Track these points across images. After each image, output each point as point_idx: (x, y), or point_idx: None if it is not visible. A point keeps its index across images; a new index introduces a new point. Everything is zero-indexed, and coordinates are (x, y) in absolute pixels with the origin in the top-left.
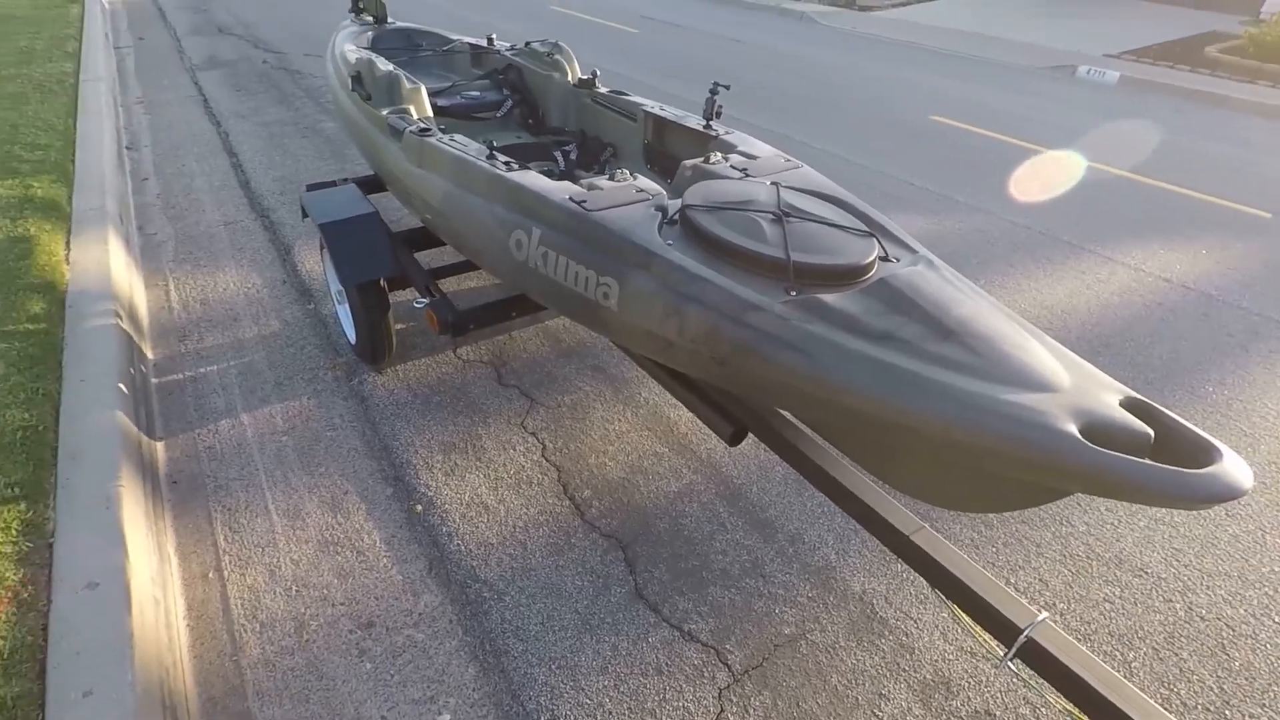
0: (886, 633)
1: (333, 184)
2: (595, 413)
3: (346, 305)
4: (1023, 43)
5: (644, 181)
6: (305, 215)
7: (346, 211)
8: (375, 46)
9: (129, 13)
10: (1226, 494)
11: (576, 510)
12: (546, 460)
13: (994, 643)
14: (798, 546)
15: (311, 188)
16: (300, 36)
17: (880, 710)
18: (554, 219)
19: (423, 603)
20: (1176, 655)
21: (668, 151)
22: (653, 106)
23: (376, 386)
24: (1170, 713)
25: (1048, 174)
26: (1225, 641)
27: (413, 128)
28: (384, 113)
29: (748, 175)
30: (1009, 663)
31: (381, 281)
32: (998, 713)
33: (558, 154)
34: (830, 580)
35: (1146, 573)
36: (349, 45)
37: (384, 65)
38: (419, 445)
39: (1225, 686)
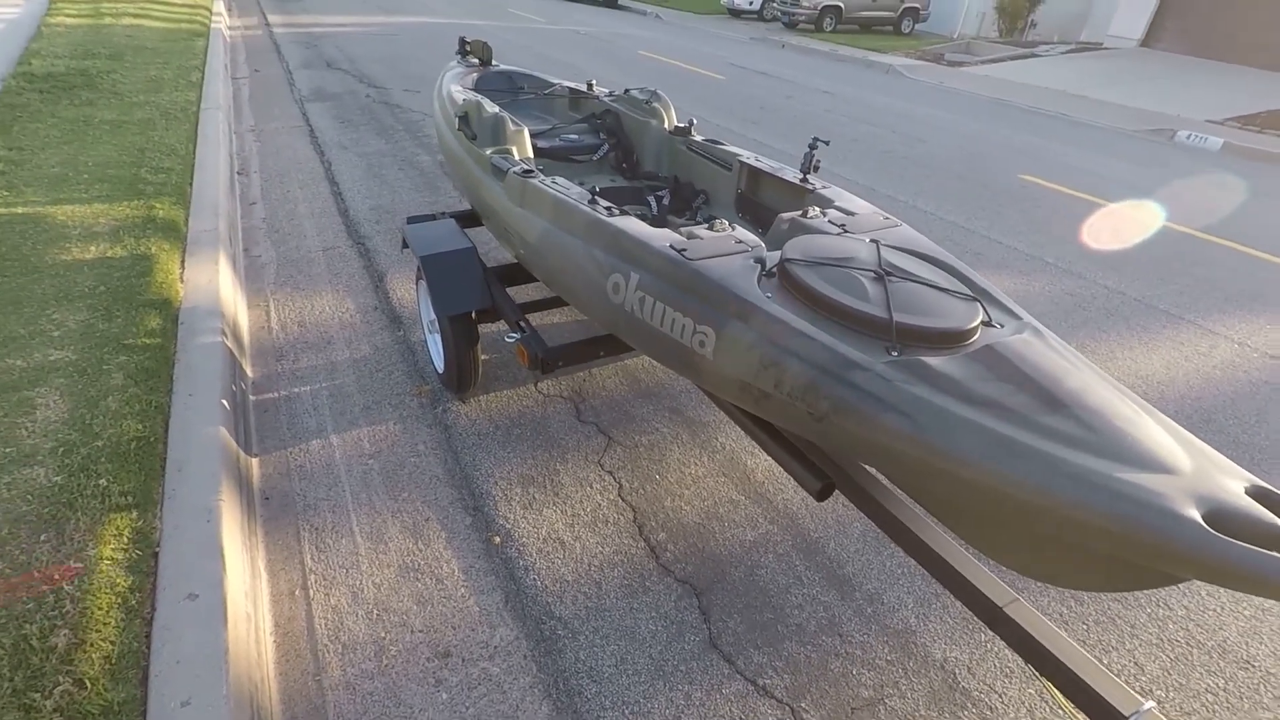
0: (970, 704)
1: (432, 218)
2: (672, 455)
3: (437, 335)
4: (1116, 104)
5: (743, 233)
6: (405, 246)
7: (446, 245)
8: (479, 87)
9: (247, 45)
10: None
11: (651, 553)
12: (623, 500)
13: None
14: (876, 606)
15: (412, 220)
16: (402, 74)
17: None
18: (654, 265)
19: (498, 636)
20: None
21: (761, 202)
22: (748, 157)
23: (460, 415)
24: None
25: (1145, 240)
26: None
27: (516, 168)
28: (488, 152)
29: (846, 231)
30: None
31: (474, 314)
32: None
33: (651, 199)
34: (910, 645)
35: (1253, 666)
36: (455, 86)
37: (490, 107)
38: (498, 476)
39: None
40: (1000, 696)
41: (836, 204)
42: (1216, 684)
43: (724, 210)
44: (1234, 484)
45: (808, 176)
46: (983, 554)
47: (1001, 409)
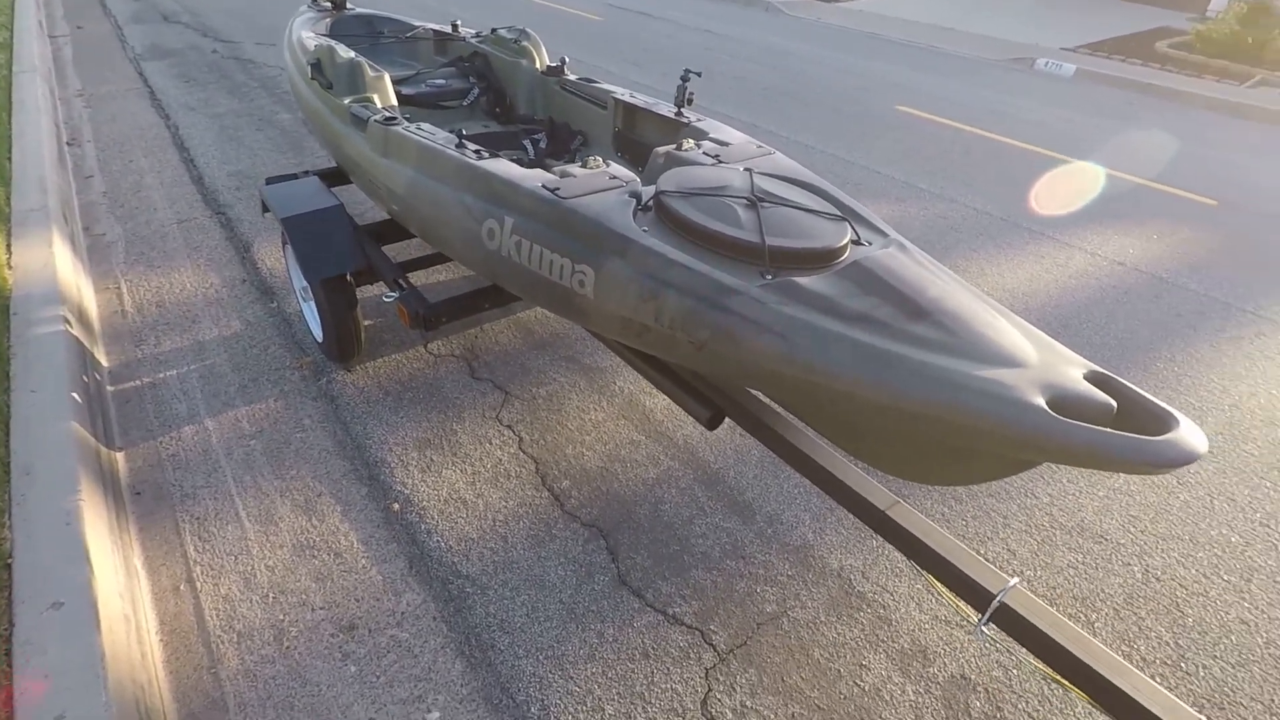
0: (865, 606)
1: (294, 177)
2: (571, 403)
3: (312, 302)
4: (981, 35)
5: (617, 169)
6: (265, 210)
7: (309, 205)
8: (334, 33)
9: None
10: (1184, 458)
11: (556, 501)
12: (524, 453)
13: (968, 610)
14: (776, 527)
15: (271, 181)
16: (251, 24)
17: (862, 680)
18: (527, 207)
19: (405, 602)
20: (1135, 614)
21: (638, 139)
22: (623, 94)
23: (346, 385)
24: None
25: (1007, 163)
26: (1179, 600)
27: (377, 116)
28: (346, 101)
29: (720, 161)
30: (983, 628)
31: (348, 276)
32: (973, 676)
33: (526, 142)
34: (808, 558)
35: (1106, 539)
36: (307, 32)
37: (345, 52)
38: (393, 443)
39: (1180, 641)
40: (891, 595)
41: (711, 136)
42: (1076, 559)
43: (602, 150)
44: (1074, 371)
45: (682, 110)
46: (864, 462)
47: (870, 321)
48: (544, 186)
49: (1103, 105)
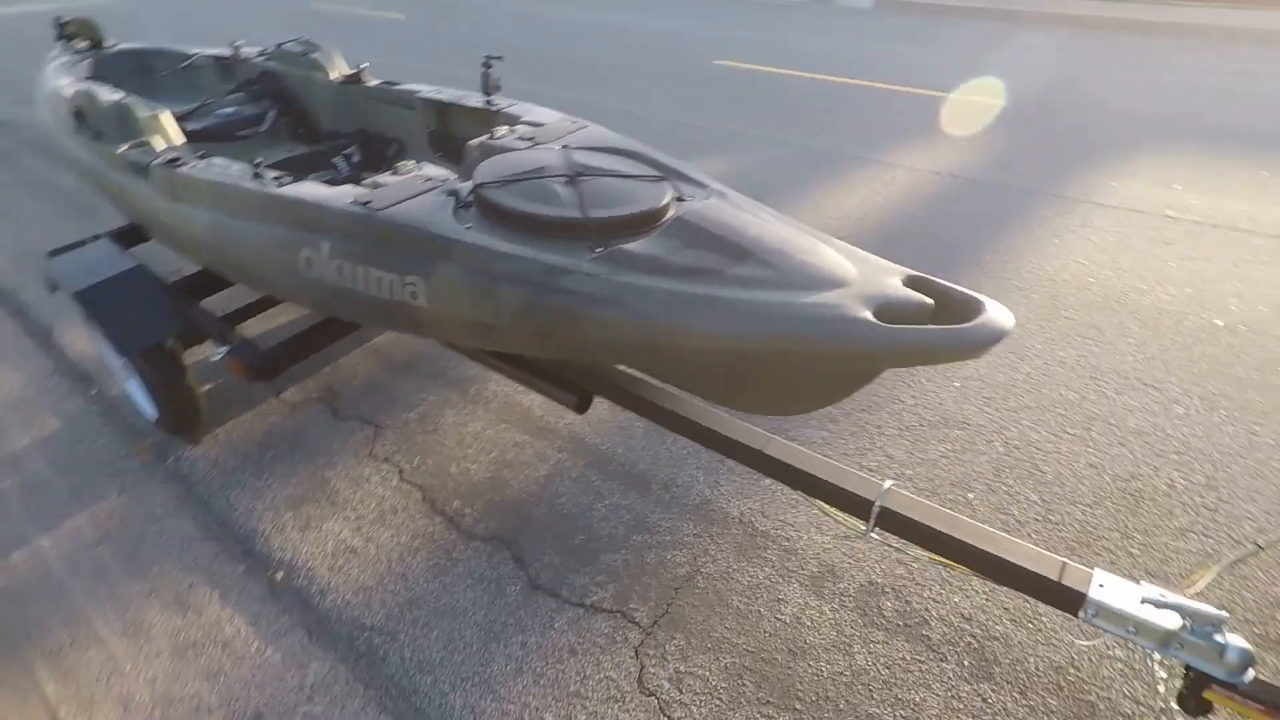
0: (769, 544)
1: (82, 243)
2: (446, 420)
3: (135, 378)
4: None
5: (430, 169)
6: (55, 288)
7: (104, 272)
8: (97, 75)
9: None
10: (995, 337)
11: (451, 523)
12: (406, 483)
13: (858, 521)
14: (673, 491)
15: (55, 253)
16: (3, 82)
17: (782, 613)
18: (341, 227)
19: (311, 674)
20: (1004, 484)
21: (454, 135)
22: (429, 91)
23: (196, 460)
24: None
25: (827, 99)
26: (1037, 462)
27: (158, 160)
28: (120, 149)
29: (536, 143)
30: (872, 534)
31: (167, 342)
32: (879, 580)
33: (339, 159)
34: (709, 513)
35: (968, 424)
36: (64, 79)
37: (109, 94)
38: (262, 509)
39: (1044, 497)
40: (791, 527)
41: (524, 119)
42: (946, 448)
43: (421, 153)
44: (893, 279)
45: (491, 98)
46: (731, 408)
47: (698, 272)
48: (355, 202)
49: (902, 30)
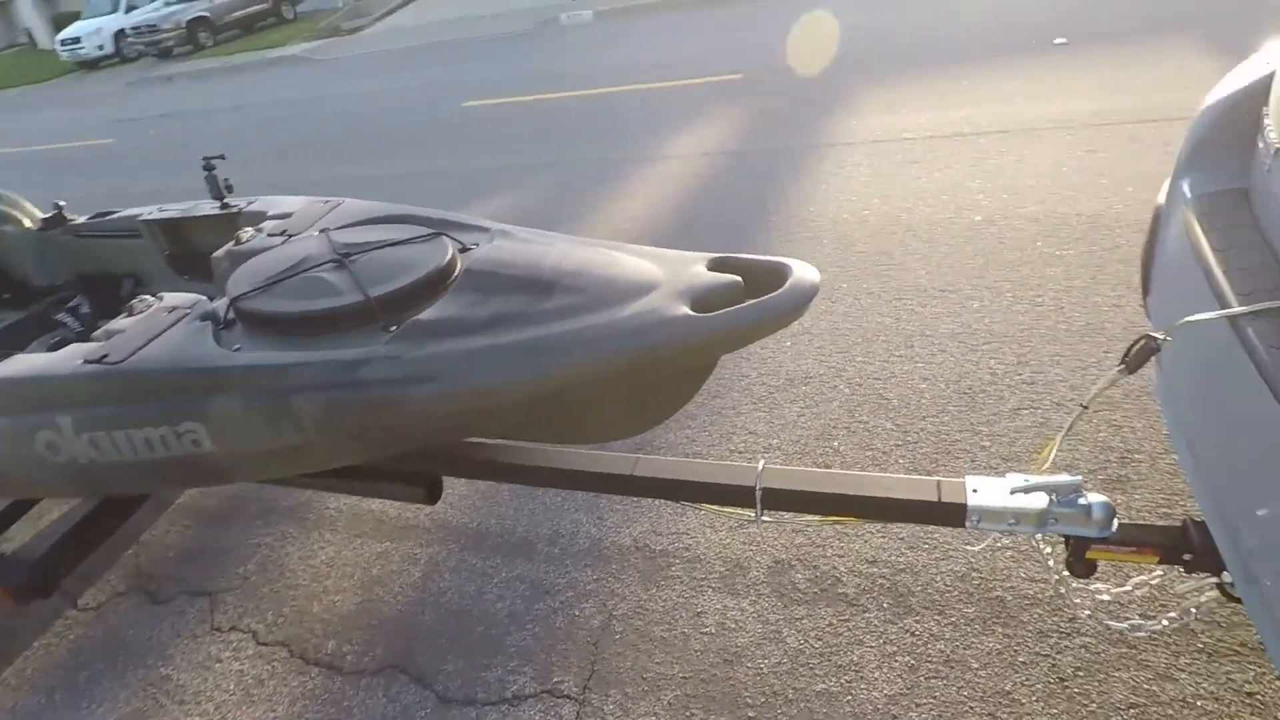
0: (671, 561)
1: None
2: (291, 559)
3: None
4: (509, 10)
5: (172, 298)
6: None
7: None
8: None
9: None
10: (808, 295)
11: (331, 670)
12: (265, 645)
13: (744, 511)
14: (560, 544)
15: None
16: None
17: (705, 626)
18: (78, 394)
19: None
20: (859, 421)
21: (195, 252)
22: (151, 211)
23: None
24: (878, 465)
25: (581, 113)
26: (880, 391)
27: None
28: None
29: (289, 236)
30: (762, 518)
31: None
32: (784, 556)
33: (64, 316)
34: (603, 552)
35: (810, 378)
36: None
37: None
38: None
39: (896, 421)
40: (687, 535)
41: (270, 214)
42: (798, 406)
43: (164, 282)
44: (698, 267)
45: (226, 200)
46: (587, 444)
47: (507, 319)
48: (87, 361)
49: (626, 34)
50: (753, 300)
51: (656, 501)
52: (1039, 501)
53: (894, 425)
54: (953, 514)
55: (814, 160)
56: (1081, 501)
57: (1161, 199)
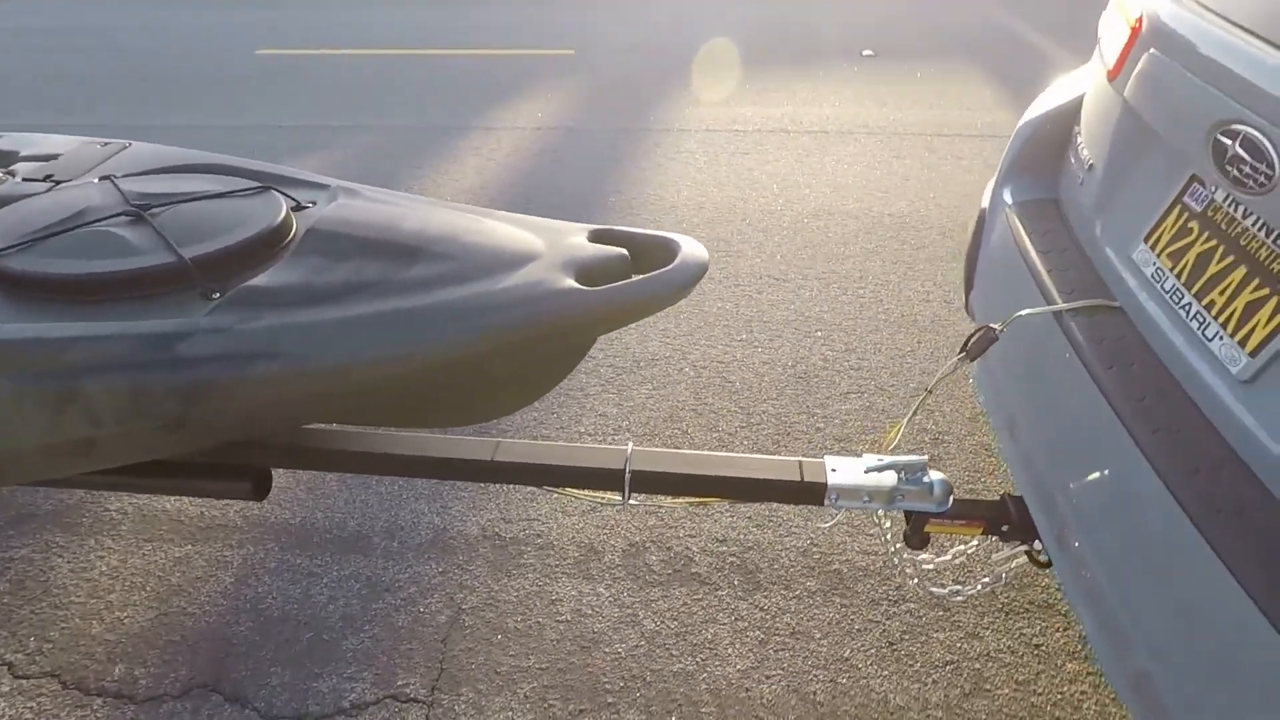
0: (523, 549)
1: None
2: (59, 573)
3: None
4: None
5: None
6: None
7: None
8: None
9: None
10: (699, 272)
11: (120, 698)
12: (26, 678)
13: (609, 494)
14: (399, 537)
15: None
16: None
17: (560, 614)
18: None
19: None
20: (705, 404)
21: None
22: None
23: None
24: (724, 446)
25: (396, 73)
26: (724, 374)
27: None
28: None
29: (57, 183)
30: (629, 501)
31: None
32: (638, 538)
33: None
34: (448, 543)
35: (656, 359)
36: None
37: None
38: None
39: (740, 404)
40: (538, 521)
41: (24, 153)
42: (647, 389)
43: None
44: (579, 239)
45: None
46: (440, 427)
47: (364, 287)
48: None
49: None
50: (641, 275)
51: (505, 488)
52: (889, 480)
53: (738, 408)
54: (814, 492)
55: (651, 144)
56: (925, 479)
57: (985, 203)
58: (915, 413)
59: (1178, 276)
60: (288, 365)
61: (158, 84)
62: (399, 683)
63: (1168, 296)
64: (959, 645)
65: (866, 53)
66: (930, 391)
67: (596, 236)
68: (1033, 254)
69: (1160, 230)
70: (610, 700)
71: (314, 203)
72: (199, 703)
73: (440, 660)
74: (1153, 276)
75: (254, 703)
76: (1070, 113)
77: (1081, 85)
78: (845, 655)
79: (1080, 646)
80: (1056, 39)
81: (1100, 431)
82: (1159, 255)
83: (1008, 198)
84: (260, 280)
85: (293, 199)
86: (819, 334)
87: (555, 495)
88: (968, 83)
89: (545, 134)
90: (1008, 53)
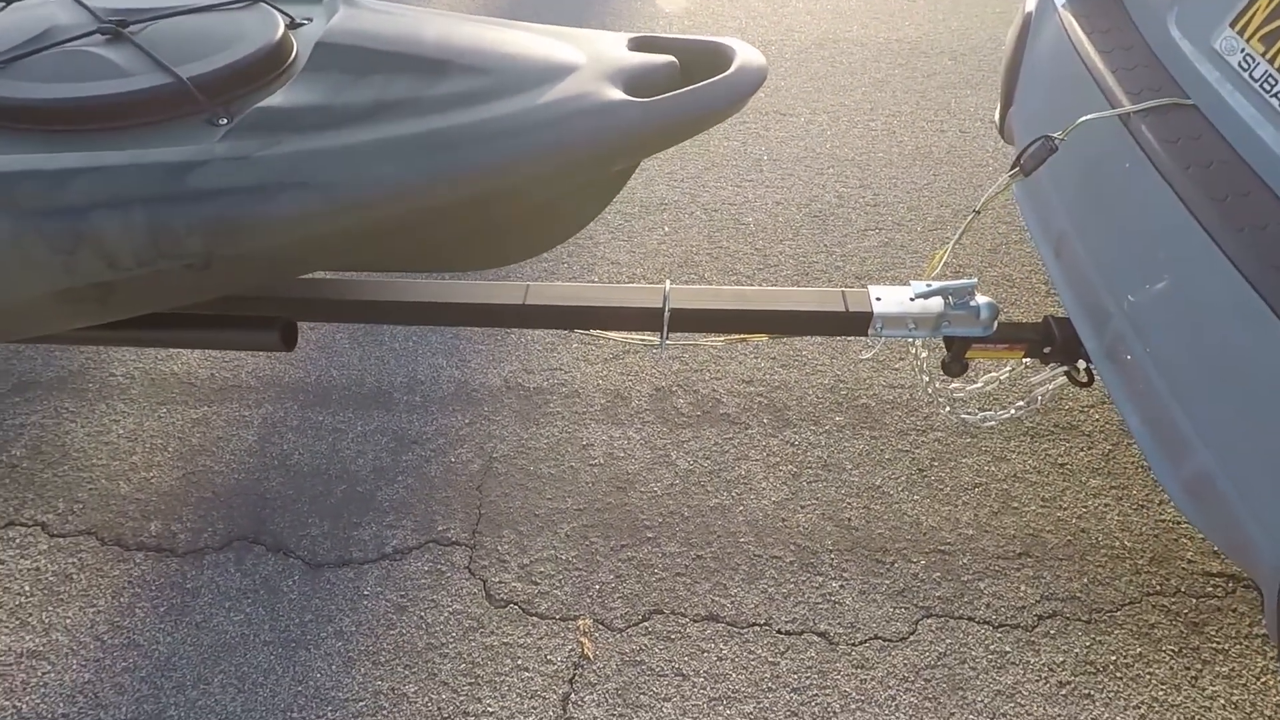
0: (549, 397)
1: None
2: (76, 437)
3: None
4: None
5: None
6: None
7: None
8: None
9: None
10: (757, 78)
11: (162, 552)
12: (62, 536)
13: (645, 336)
14: (420, 391)
15: None
16: None
17: (593, 458)
18: None
19: None
20: (720, 246)
21: None
22: None
23: None
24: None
25: None
26: (737, 216)
27: None
28: None
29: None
30: (666, 341)
31: None
32: (664, 383)
33: None
34: (472, 394)
35: (666, 204)
36: None
37: None
38: None
39: (755, 245)
40: (561, 370)
41: None
42: (660, 233)
43: None
44: (620, 48)
45: None
46: (471, 269)
47: (394, 106)
48: None
49: None
50: (697, 84)
51: (524, 337)
52: (936, 306)
53: (754, 249)
54: (859, 323)
55: None
56: (973, 303)
57: (1029, 5)
58: (961, 235)
59: (1270, 61)
60: (319, 194)
61: None
62: (439, 528)
63: (1258, 85)
64: (987, 468)
65: None
66: (978, 213)
67: (639, 44)
68: (1094, 54)
69: (1252, 12)
70: (650, 535)
71: (309, 19)
72: (241, 554)
73: (478, 506)
74: (1240, 64)
75: (297, 551)
76: None
77: None
78: (877, 483)
79: (1104, 464)
80: None
81: (1174, 237)
82: (1249, 40)
83: None
84: (274, 101)
85: (287, 14)
86: (831, 170)
87: (576, 344)
88: None
89: None
90: None
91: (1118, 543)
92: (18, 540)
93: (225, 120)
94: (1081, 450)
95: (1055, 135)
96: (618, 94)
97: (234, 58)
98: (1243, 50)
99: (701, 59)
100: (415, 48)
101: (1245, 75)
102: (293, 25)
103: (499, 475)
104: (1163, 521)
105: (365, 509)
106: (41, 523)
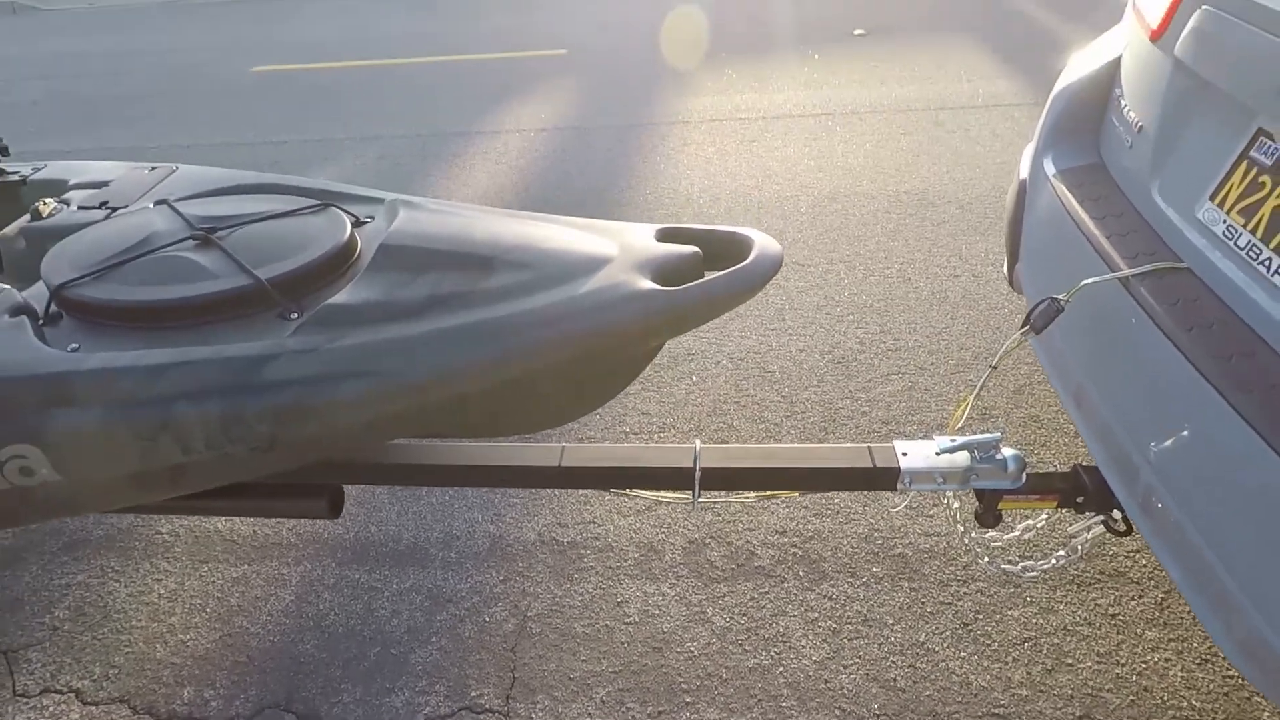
0: (583, 552)
1: None
2: (118, 597)
3: None
4: None
5: None
6: None
7: None
8: None
9: None
10: (774, 265)
11: None
12: (95, 705)
13: (678, 494)
14: (456, 547)
15: None
16: None
17: (628, 616)
18: None
19: None
20: (747, 394)
21: None
22: None
23: None
24: (773, 437)
25: (398, 82)
26: (762, 364)
27: None
28: None
29: (113, 210)
30: (698, 500)
31: None
32: (696, 535)
33: None
34: (506, 550)
35: (693, 354)
36: None
37: None
38: None
39: (781, 393)
40: (594, 524)
41: (74, 181)
42: (687, 384)
43: None
44: (649, 240)
45: (2, 169)
46: (508, 435)
47: (446, 300)
48: None
49: (411, 4)
50: (718, 272)
51: (557, 492)
52: (962, 460)
53: (780, 397)
54: (887, 478)
55: (658, 138)
56: (999, 456)
57: (1024, 174)
58: (979, 390)
59: (1252, 232)
60: (381, 382)
61: (162, 102)
62: (472, 693)
63: (1243, 253)
64: (1034, 621)
65: (858, 32)
66: (994, 368)
67: (666, 235)
68: (1088, 221)
69: (1227, 187)
70: (689, 700)
71: (371, 218)
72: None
73: (511, 669)
74: (1223, 234)
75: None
76: (1107, 76)
77: (1114, 48)
78: (921, 640)
79: (1159, 613)
80: (1042, 4)
81: (1186, 394)
82: (1228, 212)
83: (1050, 167)
84: (340, 298)
85: (354, 216)
86: (851, 317)
87: (608, 497)
88: (964, 54)
89: (550, 135)
90: (997, 22)
91: (1185, 702)
92: (50, 708)
93: (296, 314)
94: (1133, 599)
95: (1060, 297)
96: (647, 283)
97: (306, 259)
98: (1224, 221)
99: (724, 247)
100: (465, 245)
101: (1230, 244)
102: (357, 223)
103: (533, 635)
104: (1230, 678)
105: (398, 673)
106: (76, 689)
